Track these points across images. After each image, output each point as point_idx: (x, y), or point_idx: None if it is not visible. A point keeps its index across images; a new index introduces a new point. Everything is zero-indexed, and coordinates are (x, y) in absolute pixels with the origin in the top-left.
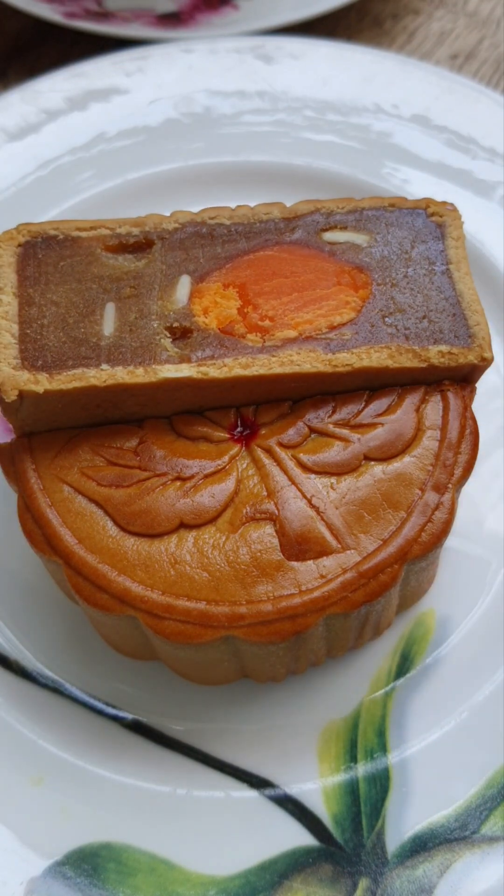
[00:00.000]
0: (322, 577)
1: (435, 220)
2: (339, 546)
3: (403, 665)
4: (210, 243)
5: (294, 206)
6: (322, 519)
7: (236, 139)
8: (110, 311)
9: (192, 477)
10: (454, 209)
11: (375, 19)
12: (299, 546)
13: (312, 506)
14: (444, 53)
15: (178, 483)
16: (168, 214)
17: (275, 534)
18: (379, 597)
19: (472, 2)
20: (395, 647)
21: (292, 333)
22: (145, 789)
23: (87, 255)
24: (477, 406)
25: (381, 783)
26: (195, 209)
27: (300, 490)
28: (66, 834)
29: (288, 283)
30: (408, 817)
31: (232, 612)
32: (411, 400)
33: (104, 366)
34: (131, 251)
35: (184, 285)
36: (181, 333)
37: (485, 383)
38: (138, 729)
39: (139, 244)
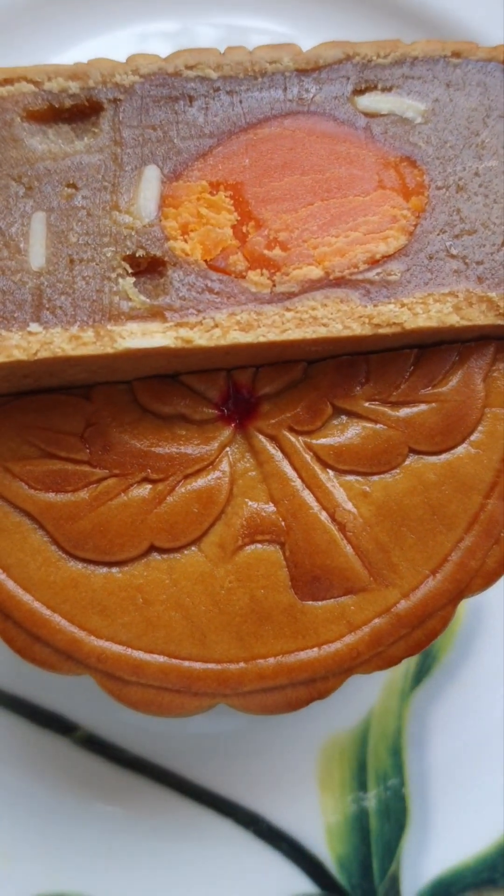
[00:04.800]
0: (348, 624)
1: None
2: (372, 580)
3: (424, 663)
4: (187, 110)
5: (313, 52)
6: (349, 540)
7: None
8: (39, 226)
9: (165, 477)
10: None
11: None
12: (317, 580)
13: (336, 520)
14: None
15: (147, 486)
16: (122, 60)
17: (283, 562)
18: (424, 648)
19: None
20: None
21: (315, 272)
22: (103, 823)
23: (0, 128)
24: None
25: (395, 817)
26: (158, 49)
27: (319, 497)
28: (10, 882)
29: (307, 183)
30: (428, 858)
31: (224, 673)
32: (476, 364)
33: (33, 326)
34: (67, 121)
35: (150, 183)
36: (148, 267)
37: None
38: (93, 745)
39: (80, 109)
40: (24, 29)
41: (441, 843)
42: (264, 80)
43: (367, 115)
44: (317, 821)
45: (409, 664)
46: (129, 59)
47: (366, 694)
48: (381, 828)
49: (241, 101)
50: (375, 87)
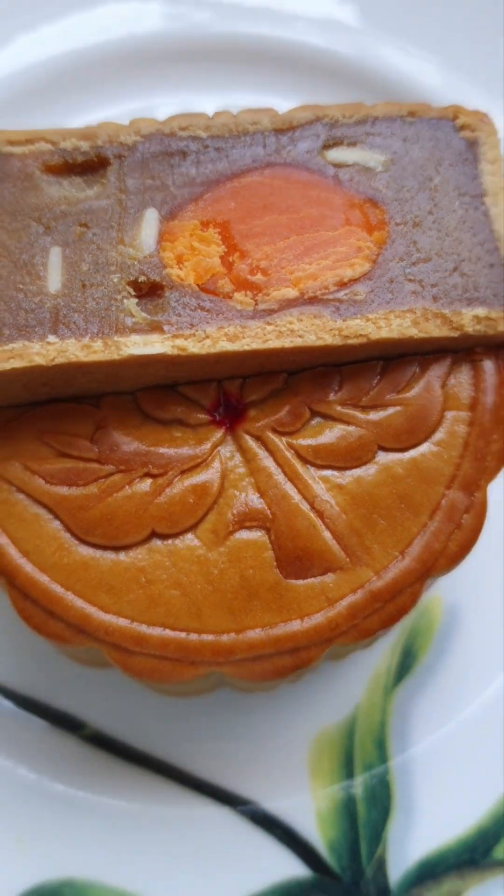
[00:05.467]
0: (327, 599)
1: (465, 135)
2: (348, 560)
3: (405, 662)
4: (181, 164)
5: (288, 114)
6: (327, 526)
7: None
8: (56, 258)
9: (164, 472)
10: (489, 121)
11: None
12: (299, 561)
13: (315, 509)
14: None
15: (148, 480)
16: (126, 123)
17: (269, 545)
18: (396, 622)
19: None
20: (396, 640)
21: (291, 292)
22: (110, 813)
23: (23, 180)
24: None
25: (381, 803)
26: (146, 105)
27: (300, 488)
28: (23, 869)
29: (284, 221)
30: (412, 841)
31: (217, 644)
32: (435, 373)
33: (51, 337)
34: (79, 173)
35: (150, 223)
36: (149, 290)
37: None
38: (100, 742)
39: (90, 164)
40: (42, 100)
41: (424, 827)
42: (247, 138)
43: (335, 165)
44: (308, 808)
45: (391, 663)
46: (132, 123)
47: (352, 691)
48: (367, 813)
49: (227, 156)
50: (342, 143)
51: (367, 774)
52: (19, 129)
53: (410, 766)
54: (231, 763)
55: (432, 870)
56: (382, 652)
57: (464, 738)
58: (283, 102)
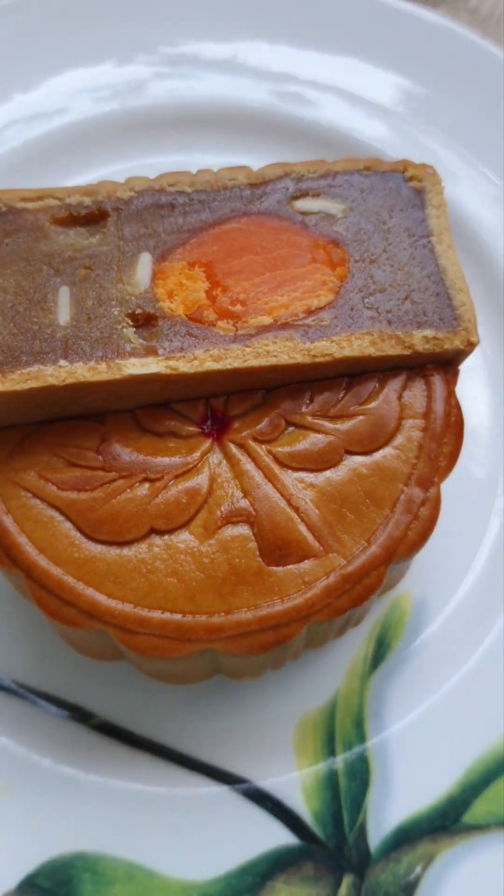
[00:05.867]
0: (304, 582)
1: (414, 185)
2: (321, 549)
3: (379, 651)
4: (170, 214)
5: (261, 171)
6: (302, 519)
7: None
8: (64, 296)
9: (160, 477)
10: (434, 173)
11: None
12: (279, 550)
13: (292, 505)
14: None
15: (147, 485)
16: (122, 181)
17: (252, 537)
18: (364, 601)
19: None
20: (371, 632)
21: (267, 320)
22: (117, 793)
23: (35, 231)
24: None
25: (361, 776)
26: (136, 165)
27: (278, 488)
28: (38, 845)
29: (259, 260)
30: (390, 810)
31: (209, 623)
32: (393, 387)
33: (62, 362)
34: (83, 224)
35: (144, 265)
36: (145, 321)
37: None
38: (107, 730)
39: (92, 216)
40: (48, 163)
41: (400, 797)
42: (226, 192)
43: (301, 213)
44: (295, 783)
45: (366, 652)
46: (127, 181)
47: (332, 678)
48: (348, 786)
49: (209, 207)
50: (307, 194)
51: (347, 752)
52: (31, 188)
53: (387, 743)
54: (225, 745)
55: (408, 835)
56: (358, 643)
57: (435, 717)
58: (256, 161)
